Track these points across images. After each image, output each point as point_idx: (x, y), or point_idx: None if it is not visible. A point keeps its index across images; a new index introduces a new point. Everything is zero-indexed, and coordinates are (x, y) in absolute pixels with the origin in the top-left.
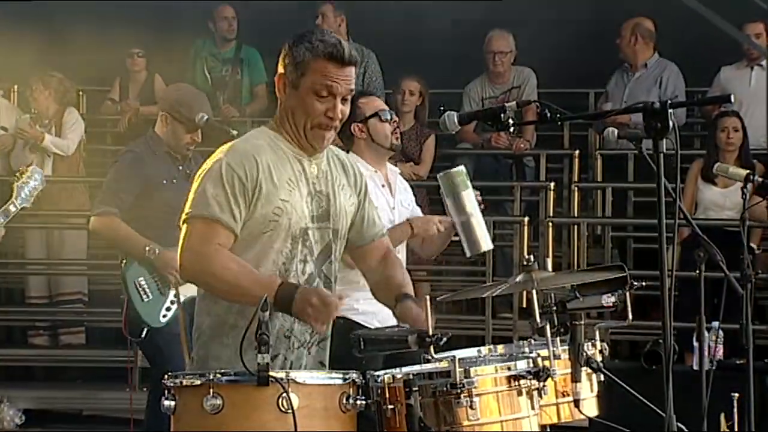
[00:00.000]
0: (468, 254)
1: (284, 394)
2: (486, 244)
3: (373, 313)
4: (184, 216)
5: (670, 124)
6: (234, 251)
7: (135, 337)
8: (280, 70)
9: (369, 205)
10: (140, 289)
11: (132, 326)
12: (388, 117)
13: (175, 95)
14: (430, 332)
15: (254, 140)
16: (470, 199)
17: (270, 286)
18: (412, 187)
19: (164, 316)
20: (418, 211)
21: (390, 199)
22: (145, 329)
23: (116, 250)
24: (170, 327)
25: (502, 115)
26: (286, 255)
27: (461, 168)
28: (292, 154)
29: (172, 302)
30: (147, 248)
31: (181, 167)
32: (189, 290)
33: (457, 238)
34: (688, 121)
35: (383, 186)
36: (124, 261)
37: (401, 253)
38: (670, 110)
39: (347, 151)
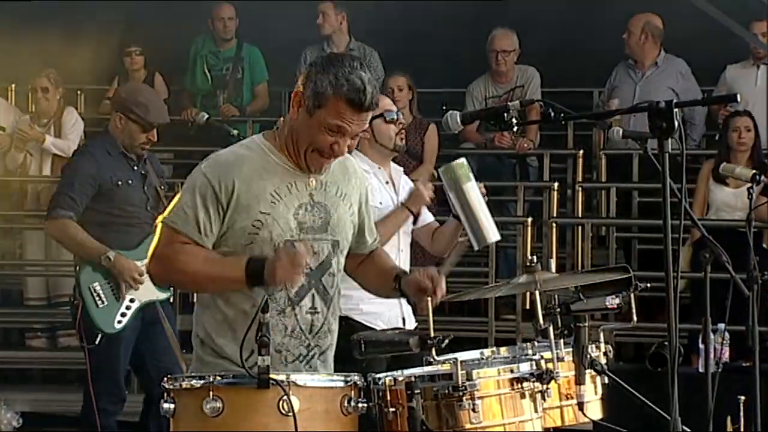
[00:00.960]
0: (475, 247)
1: (285, 397)
2: (493, 235)
3: (377, 314)
4: (160, 217)
5: (675, 124)
6: None
7: (89, 344)
8: (299, 87)
9: (370, 213)
10: (95, 294)
11: (87, 332)
12: (393, 117)
13: (130, 95)
14: (432, 334)
15: (241, 150)
16: (474, 190)
17: (238, 264)
18: None
19: (119, 321)
20: (424, 209)
21: (394, 196)
22: (99, 335)
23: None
24: (124, 333)
25: (505, 114)
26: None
27: (462, 160)
28: (285, 168)
29: (127, 308)
30: (102, 256)
31: (136, 167)
32: (146, 294)
33: (461, 239)
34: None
35: (387, 183)
36: (78, 266)
37: (406, 252)
38: (675, 109)
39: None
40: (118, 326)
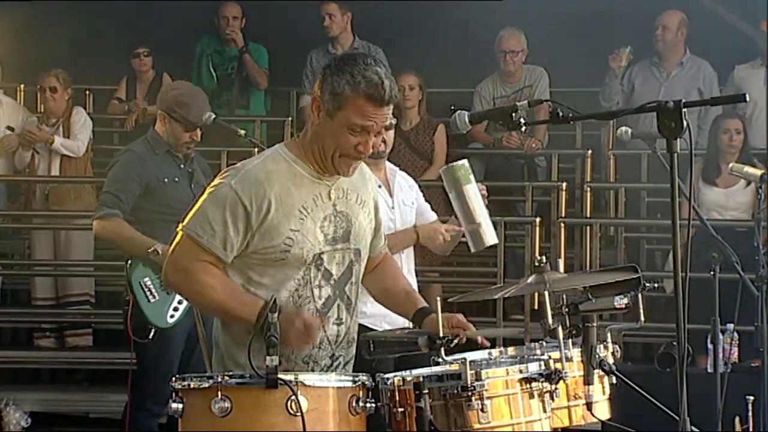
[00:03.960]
0: (472, 249)
1: (293, 397)
2: (491, 238)
3: (381, 316)
4: (181, 224)
5: (684, 123)
6: (252, 278)
7: (142, 339)
8: (317, 92)
9: (379, 216)
10: (146, 289)
11: (138, 327)
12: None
13: (173, 94)
14: (441, 334)
15: (269, 165)
16: (474, 193)
17: (253, 308)
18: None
19: (171, 316)
20: (425, 208)
21: (388, 198)
22: (153, 330)
23: (121, 252)
24: (177, 328)
25: (513, 114)
26: (298, 282)
27: (464, 162)
28: (311, 179)
29: (179, 302)
30: (150, 249)
31: (182, 166)
32: None
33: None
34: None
35: (380, 186)
36: (129, 261)
37: (409, 250)
38: (684, 109)
39: None
40: (170, 320)
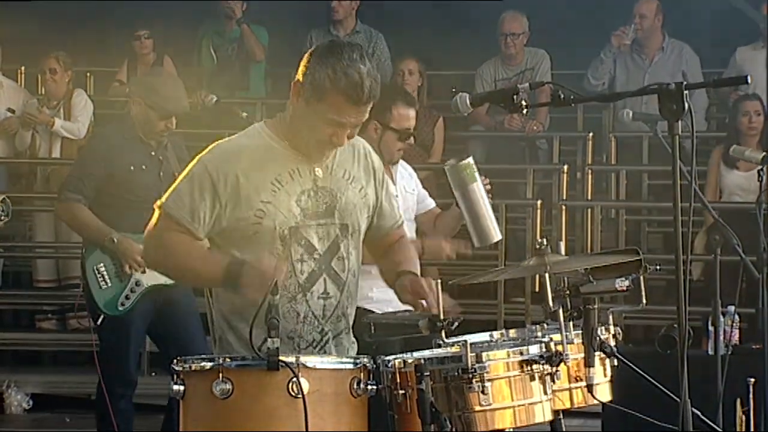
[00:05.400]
0: (476, 245)
1: (294, 379)
2: (495, 235)
3: (387, 301)
4: (158, 201)
5: (686, 105)
6: (234, 256)
7: (92, 323)
8: (299, 77)
9: (386, 195)
10: (98, 275)
11: (90, 311)
12: (408, 140)
13: (149, 81)
14: (442, 317)
15: (243, 140)
16: (479, 190)
17: (218, 265)
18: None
19: (122, 304)
20: (424, 195)
21: (391, 186)
22: (101, 316)
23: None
24: (127, 314)
25: (514, 96)
26: (277, 256)
27: (469, 160)
28: (287, 154)
29: (132, 290)
30: (106, 238)
31: (153, 153)
32: (152, 278)
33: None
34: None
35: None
36: (84, 248)
37: (412, 236)
38: (685, 91)
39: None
40: (121, 308)
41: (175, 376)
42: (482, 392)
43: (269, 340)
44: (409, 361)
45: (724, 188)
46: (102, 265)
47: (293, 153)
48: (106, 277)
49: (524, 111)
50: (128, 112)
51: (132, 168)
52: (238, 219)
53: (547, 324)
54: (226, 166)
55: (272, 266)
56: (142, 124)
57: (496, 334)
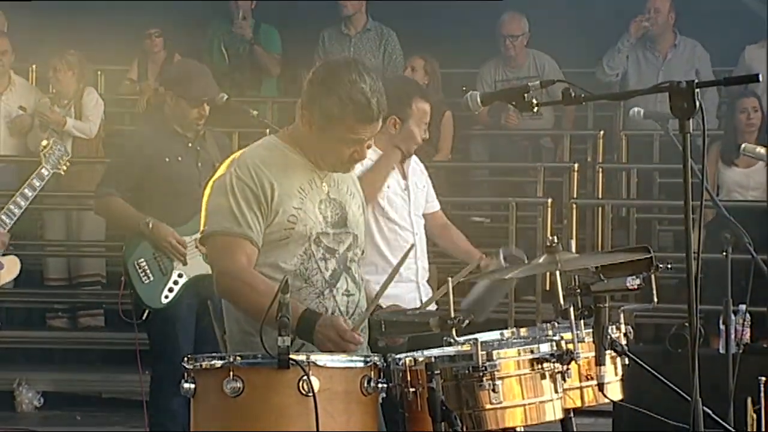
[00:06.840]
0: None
1: (305, 377)
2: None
3: (395, 296)
4: (201, 235)
5: (697, 104)
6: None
7: (136, 319)
8: (305, 101)
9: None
10: (140, 270)
11: (134, 308)
12: (423, 132)
13: (175, 71)
14: (452, 315)
15: (262, 151)
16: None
17: (293, 314)
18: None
19: (166, 297)
20: (431, 196)
21: (401, 181)
22: (146, 311)
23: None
24: (174, 308)
25: (525, 95)
26: (301, 257)
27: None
28: (303, 165)
29: (175, 282)
30: (141, 223)
31: (191, 144)
32: (195, 269)
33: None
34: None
35: (393, 168)
36: (125, 245)
37: (421, 234)
38: (697, 90)
39: None
40: (164, 301)
41: (185, 375)
42: (493, 390)
43: (279, 338)
44: (420, 359)
45: (723, 185)
46: (143, 260)
47: (309, 164)
48: (148, 271)
49: (535, 110)
50: (161, 107)
51: (167, 160)
52: (275, 224)
53: (558, 322)
54: (259, 174)
55: (346, 328)
56: (176, 116)
57: (506, 332)
